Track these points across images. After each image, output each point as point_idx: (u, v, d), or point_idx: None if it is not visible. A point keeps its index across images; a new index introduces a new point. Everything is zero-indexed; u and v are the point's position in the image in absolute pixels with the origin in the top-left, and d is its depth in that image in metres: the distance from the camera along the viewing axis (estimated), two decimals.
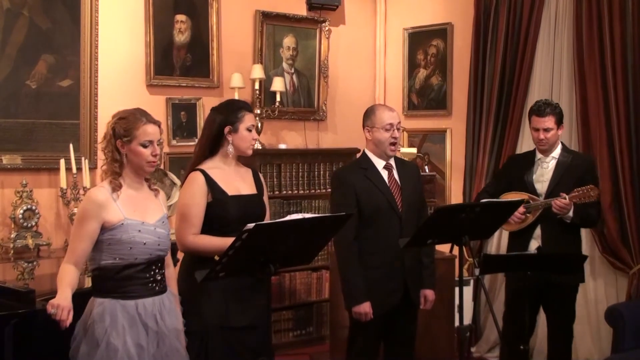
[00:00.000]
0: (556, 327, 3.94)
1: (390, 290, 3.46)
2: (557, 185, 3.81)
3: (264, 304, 2.97)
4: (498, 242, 5.17)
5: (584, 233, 4.77)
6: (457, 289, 3.39)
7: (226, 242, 2.91)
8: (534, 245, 3.87)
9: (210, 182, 3.10)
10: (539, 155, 3.96)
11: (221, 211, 3.08)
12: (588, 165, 3.95)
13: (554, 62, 5.00)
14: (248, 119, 3.19)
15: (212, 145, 3.20)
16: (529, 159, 4.01)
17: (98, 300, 2.68)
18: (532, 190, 3.90)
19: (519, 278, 3.76)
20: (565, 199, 3.68)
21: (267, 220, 3.10)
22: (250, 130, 3.19)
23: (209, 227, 3.09)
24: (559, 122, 3.87)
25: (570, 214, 3.73)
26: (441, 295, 4.09)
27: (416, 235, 3.20)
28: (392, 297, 3.47)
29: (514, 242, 4.02)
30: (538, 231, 3.85)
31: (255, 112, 5.27)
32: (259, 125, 5.27)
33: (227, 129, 3.16)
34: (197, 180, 3.11)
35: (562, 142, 3.99)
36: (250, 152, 3.23)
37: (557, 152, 3.92)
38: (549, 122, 3.82)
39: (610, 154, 4.59)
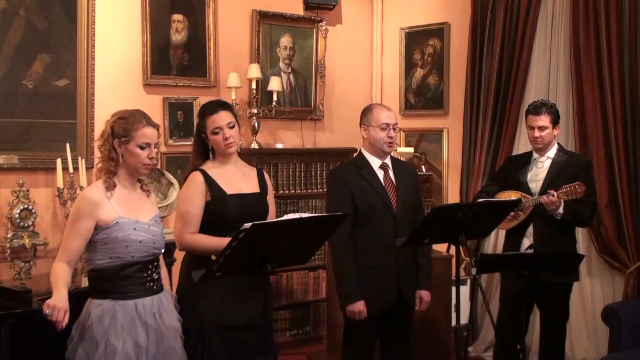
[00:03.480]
0: (549, 325, 3.94)
1: (384, 290, 3.45)
2: (551, 184, 3.81)
3: (264, 303, 2.98)
4: (495, 241, 5.16)
5: (580, 232, 4.79)
6: (454, 289, 3.39)
7: (222, 241, 2.92)
8: (526, 243, 3.87)
9: (209, 181, 3.10)
10: (534, 156, 3.97)
11: (220, 209, 3.08)
12: (583, 166, 3.93)
13: (551, 62, 5.00)
14: (211, 122, 3.12)
15: (201, 150, 3.20)
16: (525, 160, 4.03)
17: (96, 301, 2.67)
18: (526, 189, 3.90)
19: (515, 280, 3.72)
20: (553, 195, 3.69)
21: (272, 219, 3.09)
22: (216, 133, 3.12)
23: (208, 226, 3.08)
24: (555, 122, 3.88)
25: (560, 210, 3.75)
26: (438, 295, 4.09)
27: (413, 235, 3.20)
28: (386, 298, 3.46)
29: (508, 240, 4.05)
30: (531, 229, 3.86)
31: (252, 111, 5.28)
32: (256, 125, 5.27)
33: (203, 135, 3.17)
34: (195, 179, 3.11)
35: (558, 143, 3.99)
36: (230, 151, 3.15)
37: (552, 152, 3.93)
38: (544, 120, 3.84)
39: (607, 153, 4.59)
